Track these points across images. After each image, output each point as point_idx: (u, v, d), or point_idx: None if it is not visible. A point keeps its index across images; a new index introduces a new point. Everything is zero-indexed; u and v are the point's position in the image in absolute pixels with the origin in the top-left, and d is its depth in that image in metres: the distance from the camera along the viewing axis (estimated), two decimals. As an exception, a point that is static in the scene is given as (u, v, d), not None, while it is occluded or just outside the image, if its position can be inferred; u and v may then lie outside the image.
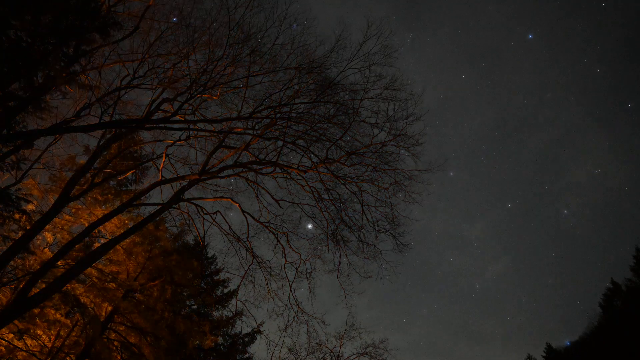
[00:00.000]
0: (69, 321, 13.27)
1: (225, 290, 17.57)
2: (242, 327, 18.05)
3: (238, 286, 11.51)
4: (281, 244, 11.41)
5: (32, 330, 11.80)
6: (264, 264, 11.30)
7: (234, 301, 16.93)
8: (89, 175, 11.63)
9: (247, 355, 18.07)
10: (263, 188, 11.26)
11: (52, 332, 12.54)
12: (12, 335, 11.38)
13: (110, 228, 14.21)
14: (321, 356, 17.84)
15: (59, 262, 11.09)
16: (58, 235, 13.40)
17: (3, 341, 10.97)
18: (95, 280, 13.74)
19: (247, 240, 11.02)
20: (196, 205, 10.58)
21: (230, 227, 10.93)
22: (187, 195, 10.37)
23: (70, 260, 12.45)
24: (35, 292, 7.64)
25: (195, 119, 10.65)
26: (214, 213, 10.63)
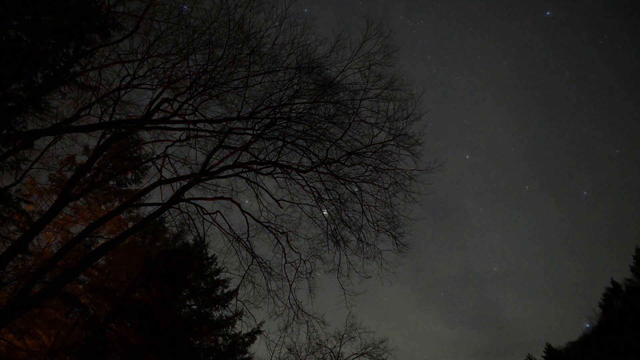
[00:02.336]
0: (69, 321, 13.28)
1: (225, 290, 17.57)
2: (242, 327, 17.97)
3: (238, 286, 11.48)
4: (281, 244, 11.40)
5: (32, 330, 11.81)
6: (264, 264, 11.28)
7: (234, 301, 16.92)
8: (89, 175, 11.63)
9: (247, 355, 18.06)
10: (263, 188, 11.25)
11: (52, 332, 12.54)
12: (12, 335, 11.37)
13: (110, 228, 14.22)
14: (321, 356, 17.86)
15: (59, 262, 11.08)
16: (58, 235, 13.41)
17: (3, 341, 10.97)
18: (95, 280, 13.76)
19: (247, 240, 11.01)
20: (196, 205, 10.57)
21: (230, 227, 10.91)
22: (187, 195, 10.36)
23: (70, 261, 12.46)
24: (35, 292, 7.64)
25: (195, 119, 10.64)
26: (214, 213, 10.61)
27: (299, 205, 11.43)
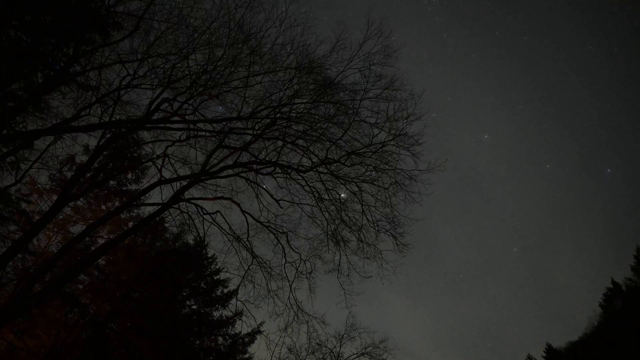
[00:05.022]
0: (69, 321, 13.28)
1: (225, 290, 17.57)
2: (242, 327, 18.03)
3: (238, 286, 11.48)
4: (281, 244, 11.40)
5: (32, 330, 11.81)
6: (264, 264, 11.28)
7: (234, 301, 16.91)
8: (89, 175, 11.63)
9: (247, 355, 18.07)
10: (263, 188, 11.25)
11: (52, 332, 12.54)
12: (12, 335, 11.37)
13: (110, 228, 14.22)
14: (321, 356, 17.85)
15: (59, 262, 11.08)
16: (58, 235, 13.41)
17: (3, 341, 10.97)
18: (95, 280, 13.76)
19: (247, 240, 11.01)
20: (196, 205, 10.56)
21: (230, 227, 10.90)
22: (187, 195, 10.35)
23: (70, 261, 12.46)
24: (35, 292, 7.64)
25: (195, 119, 10.64)
26: (214, 213, 10.60)
27: (299, 205, 11.44)
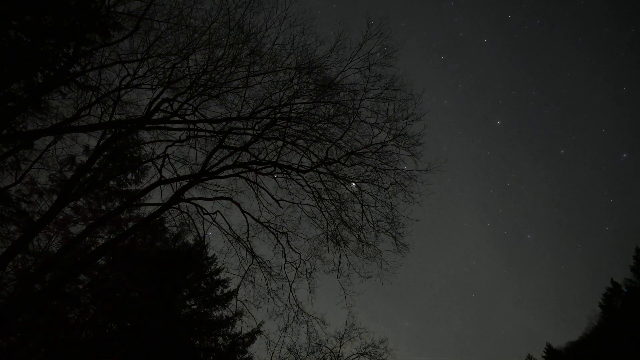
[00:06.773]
0: (69, 321, 13.28)
1: (225, 290, 17.56)
2: (242, 327, 17.99)
3: (238, 286, 11.49)
4: (281, 244, 11.40)
5: (32, 330, 11.80)
6: (264, 264, 11.29)
7: (234, 301, 16.90)
8: (89, 175, 11.63)
9: (247, 355, 18.05)
10: (263, 188, 11.25)
11: (52, 332, 12.54)
12: (12, 336, 11.37)
13: (110, 228, 14.22)
14: (321, 356, 17.83)
15: (59, 263, 11.09)
16: (58, 236, 13.41)
17: (3, 341, 10.97)
18: (95, 280, 13.76)
19: (247, 240, 11.01)
20: (196, 205, 10.57)
21: (230, 227, 10.91)
22: (187, 195, 10.35)
23: (70, 260, 12.46)
24: (36, 292, 7.65)
25: (195, 119, 10.64)
26: (214, 213, 10.61)
27: (299, 205, 11.44)
